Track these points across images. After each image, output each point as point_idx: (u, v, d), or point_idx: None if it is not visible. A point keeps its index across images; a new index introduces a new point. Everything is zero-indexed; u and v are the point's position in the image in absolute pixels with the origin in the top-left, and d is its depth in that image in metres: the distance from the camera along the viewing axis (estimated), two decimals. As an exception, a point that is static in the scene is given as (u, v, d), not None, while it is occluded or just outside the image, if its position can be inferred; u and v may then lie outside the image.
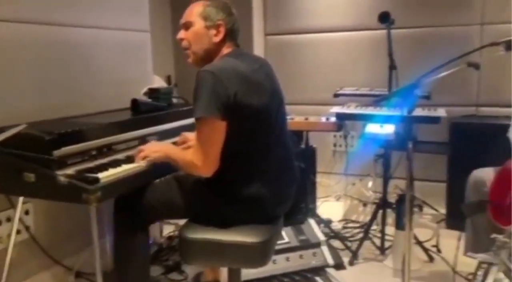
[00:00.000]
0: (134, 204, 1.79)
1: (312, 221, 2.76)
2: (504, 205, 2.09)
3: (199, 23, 1.77)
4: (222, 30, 1.77)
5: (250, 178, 1.70)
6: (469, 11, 3.28)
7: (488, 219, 2.16)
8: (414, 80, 1.92)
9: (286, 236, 2.58)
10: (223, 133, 1.62)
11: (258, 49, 3.87)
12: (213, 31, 1.77)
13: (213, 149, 1.62)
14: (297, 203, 2.89)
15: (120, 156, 1.92)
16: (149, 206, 1.78)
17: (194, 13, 1.80)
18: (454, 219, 2.90)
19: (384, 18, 2.63)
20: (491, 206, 2.14)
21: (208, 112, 1.58)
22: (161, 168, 1.83)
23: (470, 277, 2.20)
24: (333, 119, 2.84)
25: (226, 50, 1.79)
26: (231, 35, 1.80)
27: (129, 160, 1.86)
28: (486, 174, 2.27)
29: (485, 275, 1.31)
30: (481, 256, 1.36)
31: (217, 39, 1.77)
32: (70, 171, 1.68)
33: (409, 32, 3.37)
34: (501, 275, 1.10)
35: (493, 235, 1.30)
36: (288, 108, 3.13)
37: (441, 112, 2.62)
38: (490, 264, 1.30)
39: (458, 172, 2.66)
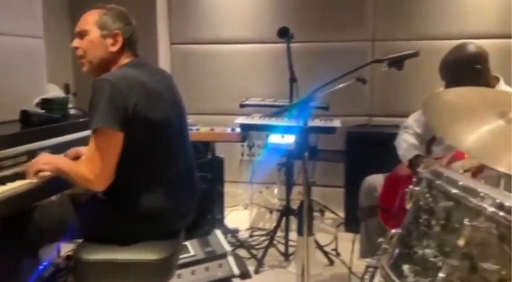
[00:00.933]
0: (20, 227, 1.65)
1: (218, 232, 2.77)
2: (392, 209, 2.28)
3: (94, 32, 1.72)
4: (120, 39, 1.72)
5: (150, 192, 1.66)
6: (362, 28, 3.54)
7: (378, 222, 2.34)
8: (308, 93, 2.03)
9: (192, 248, 2.56)
10: (120, 146, 1.57)
11: (163, 58, 3.82)
12: (110, 41, 1.72)
13: (107, 161, 1.56)
14: (203, 214, 2.89)
15: (6, 173, 1.77)
16: (38, 228, 1.66)
17: (89, 22, 1.73)
18: (351, 222, 3.08)
19: (283, 34, 2.74)
20: (381, 210, 2.33)
21: (105, 123, 1.53)
22: (53, 185, 1.72)
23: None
24: (238, 129, 2.88)
25: (124, 60, 1.75)
26: (129, 45, 1.76)
27: (17, 176, 1.72)
28: (377, 180, 2.45)
29: (371, 279, 1.41)
30: (368, 261, 1.46)
31: (114, 48, 1.72)
32: None
33: (308, 46, 3.54)
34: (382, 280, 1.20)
35: (380, 239, 1.39)
36: (194, 118, 3.17)
37: (336, 122, 2.78)
38: (376, 268, 1.40)
39: (354, 178, 2.84)
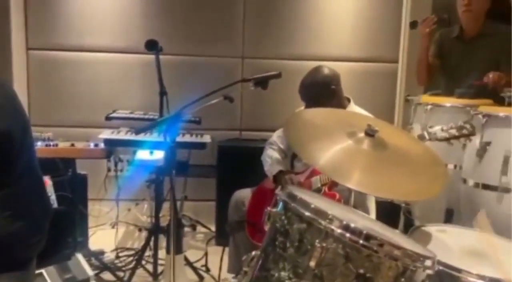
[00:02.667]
0: None
1: (80, 256, 2.55)
2: (259, 223, 2.34)
3: None
4: None
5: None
6: (232, 45, 3.62)
7: (246, 237, 2.38)
8: (176, 111, 2.00)
9: (48, 277, 2.31)
10: None
11: (19, 65, 3.45)
12: None
13: None
14: (63, 237, 2.65)
15: None
16: None
17: None
18: (222, 236, 3.10)
19: (151, 46, 2.65)
20: (248, 225, 2.37)
21: None
22: None
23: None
24: (102, 145, 2.71)
25: None
26: None
27: None
28: (245, 194, 2.50)
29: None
30: (231, 281, 1.46)
31: None
32: None
33: (179, 59, 3.51)
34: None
35: (244, 257, 1.40)
36: (54, 131, 2.91)
37: (206, 138, 2.78)
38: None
39: (225, 192, 2.84)
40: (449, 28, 2.86)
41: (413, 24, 2.87)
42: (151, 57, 2.83)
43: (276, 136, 2.54)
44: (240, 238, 2.43)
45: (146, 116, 3.09)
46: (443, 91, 2.84)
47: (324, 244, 1.09)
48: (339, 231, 1.10)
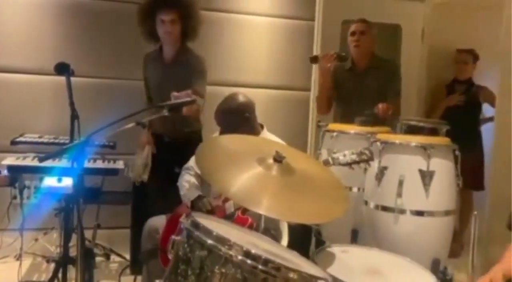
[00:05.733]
0: None
1: (-25, 294, 2.35)
2: (172, 250, 2.30)
3: None
4: None
5: None
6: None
7: (160, 265, 2.33)
8: (85, 137, 1.94)
9: None
10: None
11: None
12: None
13: None
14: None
15: None
16: None
17: None
18: (137, 265, 3.00)
19: (62, 70, 2.56)
20: (161, 252, 2.33)
21: None
22: None
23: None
24: (5, 172, 2.55)
25: None
26: None
27: None
28: (159, 222, 2.45)
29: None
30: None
31: None
32: None
33: (92, 82, 3.41)
34: None
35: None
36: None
37: (119, 164, 2.72)
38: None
39: (141, 219, 2.76)
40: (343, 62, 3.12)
41: (313, 59, 3.10)
42: (62, 79, 2.73)
43: (193, 162, 2.54)
44: (153, 266, 2.37)
45: (57, 141, 2.97)
46: (340, 119, 3.08)
47: (223, 270, 1.11)
48: (239, 256, 1.13)
